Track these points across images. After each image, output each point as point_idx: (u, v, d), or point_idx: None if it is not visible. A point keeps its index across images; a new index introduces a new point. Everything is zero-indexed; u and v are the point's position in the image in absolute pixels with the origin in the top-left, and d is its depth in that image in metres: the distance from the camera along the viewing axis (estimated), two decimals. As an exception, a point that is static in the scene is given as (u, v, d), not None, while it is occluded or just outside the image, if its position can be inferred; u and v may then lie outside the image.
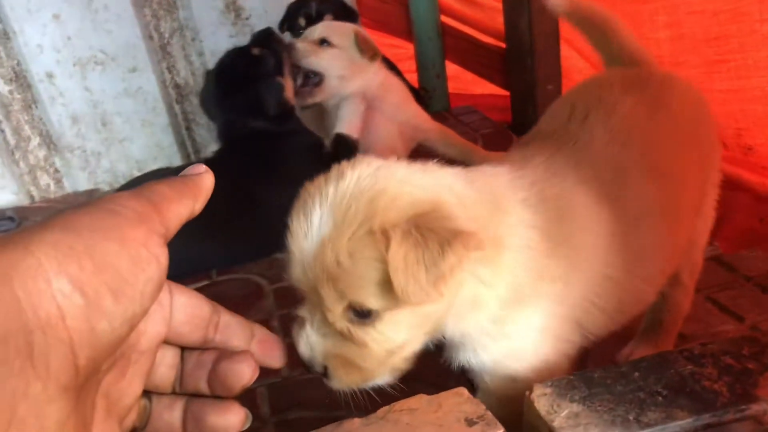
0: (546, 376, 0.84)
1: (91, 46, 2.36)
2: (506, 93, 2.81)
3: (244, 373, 0.55)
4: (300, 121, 1.89)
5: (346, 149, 1.85)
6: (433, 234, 0.68)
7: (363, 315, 0.72)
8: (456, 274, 0.71)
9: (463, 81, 2.94)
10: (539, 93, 2.51)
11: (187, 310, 0.56)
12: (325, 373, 0.75)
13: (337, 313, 0.72)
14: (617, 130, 0.94)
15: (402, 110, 2.08)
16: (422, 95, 2.77)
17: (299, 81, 1.94)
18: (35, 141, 2.45)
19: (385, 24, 2.82)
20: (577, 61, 2.55)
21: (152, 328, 0.53)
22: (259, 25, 2.48)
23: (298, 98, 1.92)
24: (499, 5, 2.60)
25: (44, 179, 2.50)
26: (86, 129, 2.46)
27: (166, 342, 0.55)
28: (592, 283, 0.86)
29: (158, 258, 0.47)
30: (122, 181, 2.54)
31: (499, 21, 2.64)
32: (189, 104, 2.54)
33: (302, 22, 2.21)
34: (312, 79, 1.96)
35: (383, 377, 0.78)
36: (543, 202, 0.83)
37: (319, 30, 2.03)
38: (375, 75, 2.05)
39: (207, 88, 1.87)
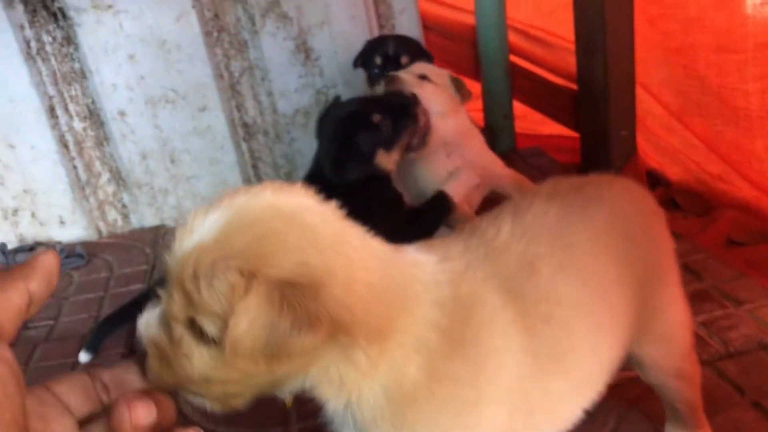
0: None
1: (163, 85, 2.38)
2: (575, 134, 2.74)
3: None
4: (388, 181, 1.81)
5: (442, 209, 1.79)
6: (294, 311, 0.63)
7: (199, 332, 0.67)
8: (295, 359, 0.66)
9: (530, 121, 2.89)
10: (612, 138, 2.43)
11: (74, 391, 0.58)
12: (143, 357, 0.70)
13: (179, 317, 0.67)
14: (526, 226, 0.88)
15: (481, 156, 2.03)
16: (487, 135, 2.72)
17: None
18: (105, 177, 2.48)
19: (453, 63, 2.78)
20: (653, 106, 2.48)
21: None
22: (329, 66, 2.49)
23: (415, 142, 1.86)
24: (572, 46, 2.54)
25: (112, 214, 2.53)
26: (155, 166, 2.48)
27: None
28: (506, 385, 0.78)
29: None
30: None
31: (570, 62, 2.59)
32: (256, 143, 2.54)
33: (378, 60, 2.18)
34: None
35: (202, 401, 0.72)
36: (455, 300, 0.76)
37: (417, 67, 1.99)
38: (463, 120, 2.02)
39: (318, 126, 1.80)
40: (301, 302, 0.63)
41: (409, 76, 1.92)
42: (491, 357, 0.77)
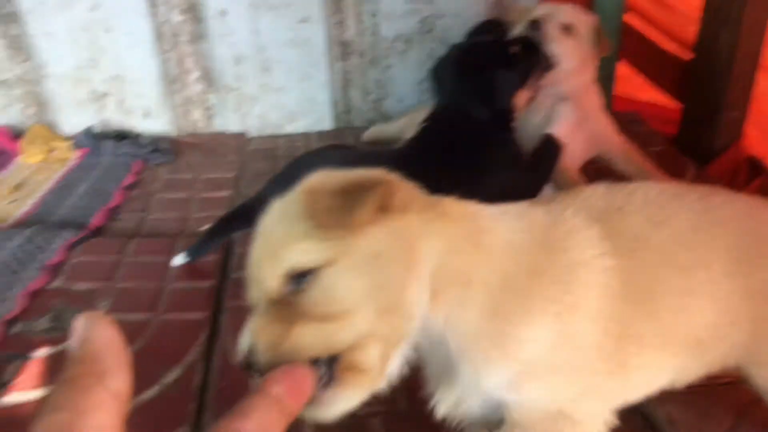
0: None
1: (269, -11, 2.29)
2: (673, 105, 2.63)
3: None
4: (514, 131, 1.75)
5: (550, 152, 1.73)
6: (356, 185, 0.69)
7: (301, 278, 0.67)
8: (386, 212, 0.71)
9: (630, 84, 2.76)
10: (722, 117, 2.33)
11: None
12: (253, 359, 0.67)
13: (276, 292, 0.68)
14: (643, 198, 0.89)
15: (596, 118, 1.95)
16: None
17: None
18: (195, 75, 2.42)
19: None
20: (768, 90, 2.35)
21: None
22: (441, -5, 2.38)
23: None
24: (694, 13, 2.40)
25: (196, 114, 2.48)
26: (247, 71, 2.42)
27: None
28: (597, 304, 0.81)
29: None
30: (270, 131, 2.51)
31: (688, 30, 2.45)
32: (350, 64, 2.46)
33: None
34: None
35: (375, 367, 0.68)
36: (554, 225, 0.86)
37: (567, 13, 1.85)
38: (588, 75, 1.92)
39: (446, 60, 1.74)
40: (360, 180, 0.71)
41: (553, 28, 1.80)
42: (581, 269, 0.79)
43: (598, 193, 0.89)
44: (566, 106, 1.83)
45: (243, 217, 1.70)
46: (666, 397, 1.17)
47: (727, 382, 1.22)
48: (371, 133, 2.34)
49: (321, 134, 2.49)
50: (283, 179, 1.73)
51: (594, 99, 1.97)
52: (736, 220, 0.92)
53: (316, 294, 0.66)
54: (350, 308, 0.66)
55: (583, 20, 1.86)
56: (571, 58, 1.81)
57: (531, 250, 0.78)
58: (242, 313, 0.72)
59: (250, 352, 0.66)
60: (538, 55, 1.73)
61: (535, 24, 1.79)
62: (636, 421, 1.16)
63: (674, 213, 0.87)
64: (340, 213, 0.66)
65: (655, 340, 0.84)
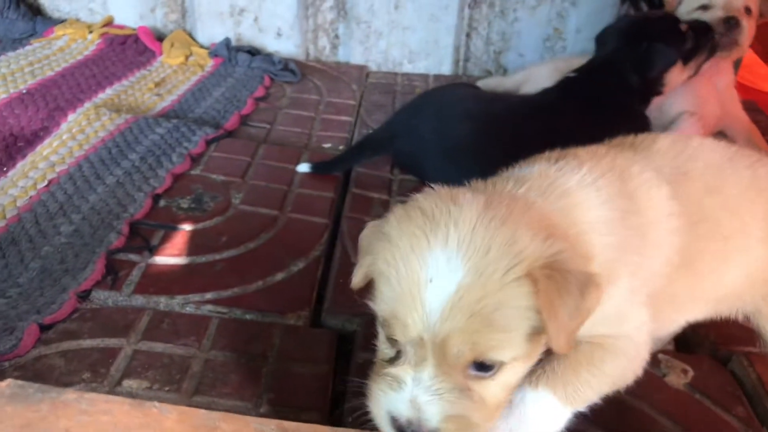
0: None
1: (414, -72, 2.35)
2: (797, 101, 2.57)
3: None
4: (648, 105, 1.79)
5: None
6: (572, 276, 0.66)
7: (486, 368, 0.68)
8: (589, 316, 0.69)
9: (754, 74, 2.71)
10: None
11: None
12: None
13: (458, 367, 0.67)
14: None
15: (729, 92, 1.98)
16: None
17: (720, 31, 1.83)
18: (329, 3, 2.52)
19: None
20: None
21: None
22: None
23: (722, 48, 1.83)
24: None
25: (324, 41, 2.59)
26: (378, 6, 2.50)
27: None
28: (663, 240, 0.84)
29: None
30: (391, 67, 2.60)
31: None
32: (479, 12, 2.51)
33: (643, 5, 2.12)
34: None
35: None
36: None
37: None
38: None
39: (614, 25, 1.82)
40: (571, 266, 0.67)
41: (740, 14, 1.83)
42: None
43: (663, 150, 0.91)
44: (682, 98, 1.85)
45: (370, 147, 1.83)
46: (757, 357, 1.24)
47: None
48: (486, 83, 2.39)
49: (438, 77, 2.56)
50: (412, 112, 1.82)
51: (729, 73, 1.98)
52: None
53: (496, 386, 0.69)
54: (511, 392, 0.73)
55: (756, 2, 1.88)
56: (748, 38, 1.84)
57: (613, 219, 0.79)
58: (360, 224, 0.80)
59: (413, 424, 0.67)
60: (708, 39, 1.76)
61: (731, 20, 1.81)
62: (725, 375, 1.23)
63: (726, 179, 0.91)
64: (571, 332, 0.66)
65: (685, 295, 0.91)
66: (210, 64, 2.40)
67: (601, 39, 1.78)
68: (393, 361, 0.70)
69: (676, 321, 0.98)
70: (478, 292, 0.64)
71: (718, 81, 1.93)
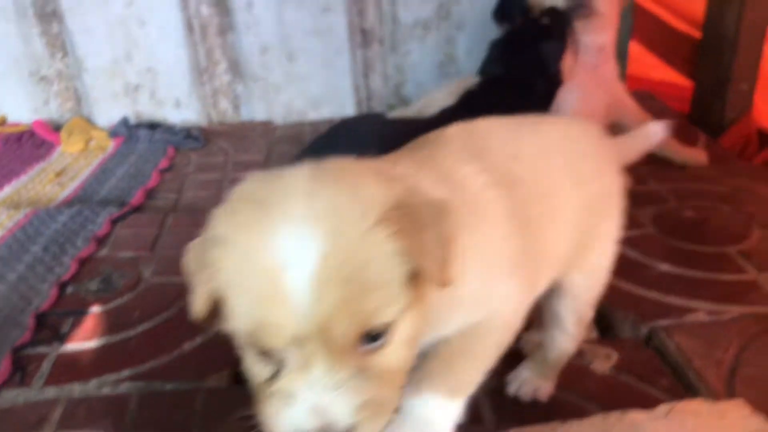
0: None
1: (292, -19, 2.41)
2: (686, 84, 2.70)
3: None
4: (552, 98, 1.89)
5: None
6: (424, 208, 0.62)
7: (376, 338, 0.61)
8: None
9: (643, 64, 2.84)
10: (731, 90, 2.39)
11: None
12: None
13: (348, 349, 0.59)
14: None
15: (616, 82, 2.04)
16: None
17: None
18: (223, 66, 2.54)
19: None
20: (777, 62, 2.41)
21: None
22: (458, -18, 2.47)
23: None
24: (703, -8, 2.48)
25: (224, 104, 2.60)
26: (272, 61, 2.53)
27: None
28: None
29: None
30: (296, 117, 2.62)
31: (696, 7, 2.52)
32: (371, 51, 2.57)
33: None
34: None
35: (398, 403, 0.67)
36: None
37: None
38: (611, 34, 2.02)
39: (497, 43, 1.92)
40: (417, 201, 0.65)
41: None
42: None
43: (455, 136, 0.90)
44: (569, 94, 1.92)
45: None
46: (675, 328, 1.26)
47: (731, 318, 1.30)
48: (394, 114, 2.44)
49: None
50: (325, 142, 1.84)
51: (613, 64, 2.06)
52: (562, 141, 0.97)
53: (395, 349, 0.63)
54: (413, 352, 0.66)
55: None
56: (609, 7, 1.94)
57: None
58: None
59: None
60: (566, 18, 1.88)
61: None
62: (648, 352, 1.25)
63: (522, 145, 0.91)
64: (445, 261, 0.62)
65: (536, 256, 0.89)
66: (111, 145, 2.37)
67: (492, 55, 1.87)
68: (274, 378, 0.61)
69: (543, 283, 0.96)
70: (340, 256, 0.57)
71: (602, 71, 2.00)
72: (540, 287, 0.93)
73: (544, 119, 1.03)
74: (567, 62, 1.83)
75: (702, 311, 1.33)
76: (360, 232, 0.58)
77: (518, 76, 1.80)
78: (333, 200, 0.60)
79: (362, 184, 0.62)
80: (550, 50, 1.79)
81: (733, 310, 1.32)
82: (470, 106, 1.81)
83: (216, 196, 2.01)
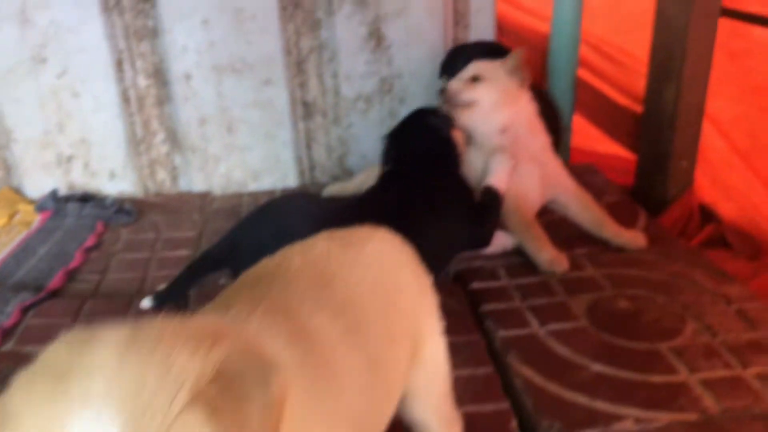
0: None
1: (232, 54, 2.37)
2: (629, 156, 2.72)
3: None
4: (460, 167, 1.87)
5: (492, 202, 1.83)
6: (248, 374, 0.56)
7: None
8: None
9: (586, 137, 2.85)
10: (672, 167, 2.41)
11: None
12: None
13: None
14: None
15: (546, 156, 2.01)
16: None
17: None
18: (160, 137, 2.48)
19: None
20: (717, 141, 2.44)
21: None
22: (399, 56, 2.47)
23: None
24: (643, 68, 2.51)
25: (162, 175, 2.53)
26: (211, 132, 2.48)
27: None
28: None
29: None
30: (236, 188, 2.56)
31: (638, 84, 2.56)
32: (314, 123, 2.53)
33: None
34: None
35: None
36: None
37: (470, 69, 2.01)
38: (524, 109, 2.01)
39: (397, 127, 1.94)
40: (243, 365, 0.57)
41: (458, 84, 1.98)
42: None
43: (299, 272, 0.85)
44: (500, 156, 1.90)
45: (208, 264, 1.75)
46: None
47: (658, 427, 1.25)
48: (330, 190, 2.40)
49: (285, 191, 2.54)
50: (253, 223, 1.77)
51: (542, 137, 2.03)
52: (379, 260, 0.98)
53: None
54: None
55: (489, 68, 2.00)
56: (488, 97, 1.95)
57: None
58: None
59: None
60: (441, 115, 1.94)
61: (441, 91, 2.01)
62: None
63: (357, 278, 0.89)
64: (270, 415, 0.55)
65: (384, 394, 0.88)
66: (37, 219, 2.28)
67: (390, 142, 1.90)
68: None
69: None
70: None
71: (529, 145, 1.98)
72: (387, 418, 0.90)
73: (360, 236, 1.03)
74: (461, 145, 1.89)
75: (630, 419, 1.27)
76: (170, 417, 0.51)
77: (415, 153, 1.84)
78: (141, 378, 0.52)
79: (177, 355, 0.54)
80: (437, 120, 1.88)
81: (662, 418, 1.27)
82: (386, 187, 1.81)
83: (140, 279, 1.93)
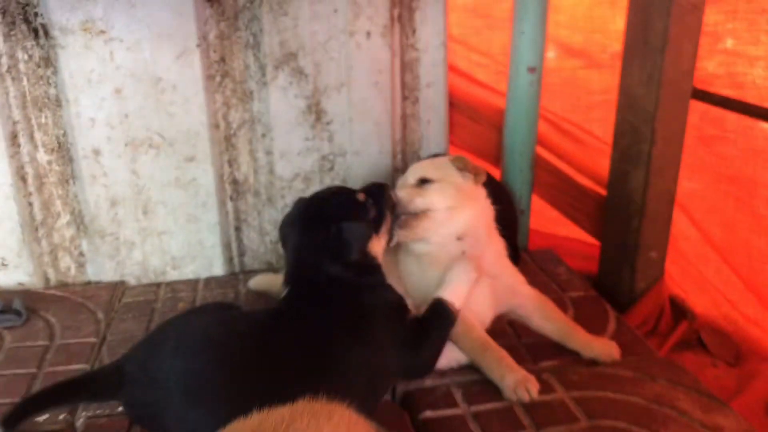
0: None
1: (149, 128, 2.07)
2: (591, 241, 2.50)
3: None
4: (384, 277, 1.59)
5: (441, 321, 1.55)
6: None
7: None
8: None
9: (545, 218, 2.63)
10: (640, 258, 2.19)
11: None
12: None
13: None
14: None
15: (501, 264, 1.76)
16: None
17: (402, 218, 1.68)
18: (65, 219, 2.14)
19: (473, 145, 2.53)
20: (689, 230, 2.24)
21: None
22: (341, 133, 2.22)
23: (402, 232, 1.68)
24: (605, 148, 2.31)
25: (66, 262, 2.18)
26: (124, 215, 2.15)
27: None
28: None
29: None
30: (153, 277, 2.23)
31: (600, 164, 2.36)
32: (244, 203, 2.24)
33: None
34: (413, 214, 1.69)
35: None
36: None
37: (414, 171, 1.78)
38: (484, 210, 1.77)
39: (291, 216, 1.61)
40: None
41: (405, 191, 1.72)
42: None
43: None
44: (460, 267, 1.64)
45: (87, 390, 1.42)
46: None
47: None
48: (258, 281, 2.11)
49: (209, 280, 2.23)
50: (147, 350, 1.45)
51: (496, 245, 1.78)
52: None
53: None
54: None
55: (434, 166, 1.77)
56: (442, 199, 1.69)
57: None
58: None
59: None
60: (384, 196, 1.64)
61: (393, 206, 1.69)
62: None
63: None
64: None
65: None
66: None
67: (282, 233, 1.62)
68: None
69: None
70: None
71: (484, 251, 1.73)
72: None
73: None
74: (375, 247, 1.58)
75: None
76: None
77: (310, 260, 1.53)
78: None
79: None
80: (353, 231, 1.51)
81: None
82: (291, 315, 1.51)
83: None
